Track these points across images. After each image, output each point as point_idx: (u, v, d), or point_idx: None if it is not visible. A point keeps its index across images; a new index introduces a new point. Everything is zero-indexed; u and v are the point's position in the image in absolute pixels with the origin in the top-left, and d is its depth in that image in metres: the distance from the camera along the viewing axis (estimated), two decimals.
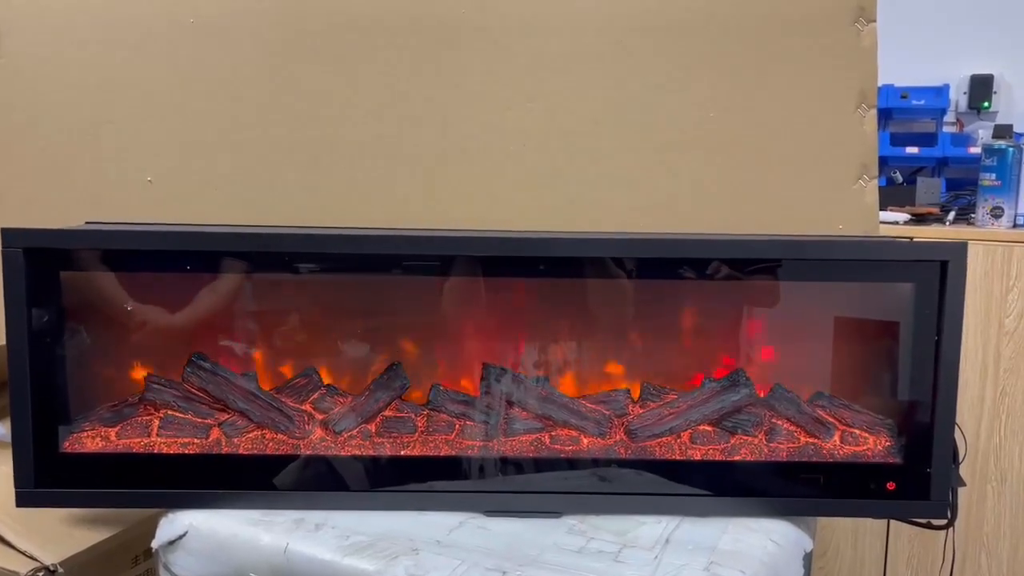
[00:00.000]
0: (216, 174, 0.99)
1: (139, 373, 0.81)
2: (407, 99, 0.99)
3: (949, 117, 1.99)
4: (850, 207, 0.97)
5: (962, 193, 1.79)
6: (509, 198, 1.00)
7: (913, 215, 1.66)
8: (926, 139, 1.90)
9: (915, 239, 0.82)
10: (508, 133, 0.99)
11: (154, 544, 0.76)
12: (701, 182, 0.98)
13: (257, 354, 0.82)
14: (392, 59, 0.99)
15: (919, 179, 1.81)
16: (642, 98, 0.98)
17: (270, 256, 0.78)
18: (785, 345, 0.85)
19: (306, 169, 1.00)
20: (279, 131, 0.99)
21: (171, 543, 0.75)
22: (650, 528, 0.76)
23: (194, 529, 0.75)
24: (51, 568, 0.80)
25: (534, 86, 0.98)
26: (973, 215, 1.65)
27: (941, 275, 0.76)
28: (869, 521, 1.54)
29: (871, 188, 0.97)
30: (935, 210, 1.70)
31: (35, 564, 0.80)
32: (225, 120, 0.99)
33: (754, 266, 0.79)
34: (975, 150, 1.83)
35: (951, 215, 1.67)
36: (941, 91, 1.93)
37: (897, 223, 1.60)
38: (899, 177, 1.90)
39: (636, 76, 0.98)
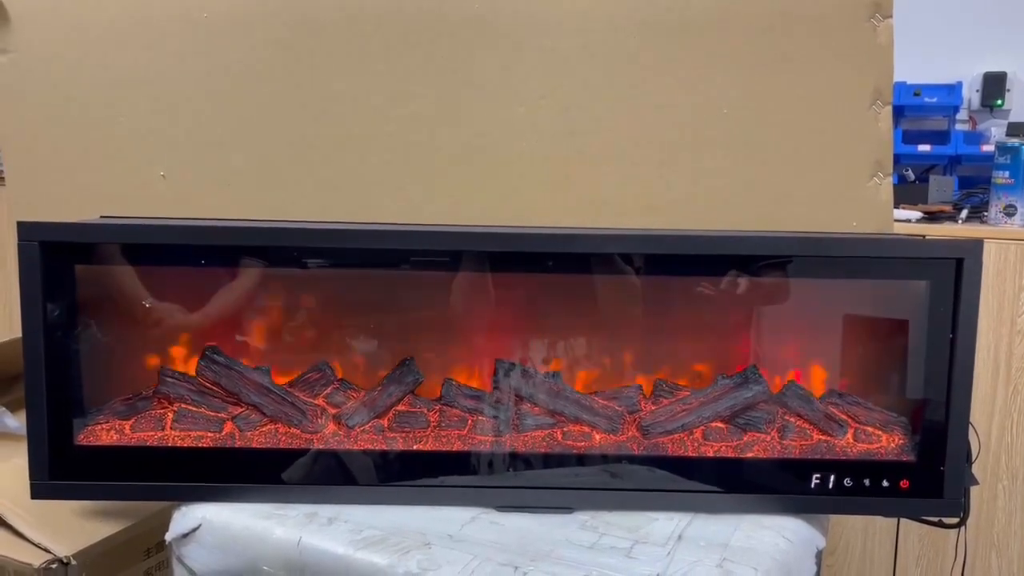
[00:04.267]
0: (228, 170, 0.99)
1: (153, 366, 0.81)
2: (418, 96, 0.99)
3: (962, 115, 1.97)
4: (864, 204, 0.97)
5: (975, 191, 1.78)
6: (519, 195, 1.00)
7: (925, 213, 1.65)
8: (939, 137, 1.89)
9: (927, 237, 0.81)
10: (519, 130, 0.99)
11: (168, 537, 0.76)
12: (714, 179, 0.98)
13: (270, 348, 0.82)
14: (404, 56, 0.98)
15: (931, 177, 1.80)
16: (654, 95, 0.98)
17: (283, 251, 0.78)
18: (798, 342, 0.85)
19: (317, 166, 1.00)
20: (291, 127, 0.99)
21: (184, 536, 0.75)
22: (662, 524, 0.76)
23: (207, 522, 0.75)
24: (64, 560, 0.81)
25: (545, 83, 0.98)
26: (986, 213, 1.64)
27: (956, 273, 0.76)
28: (879, 519, 1.54)
29: (886, 185, 0.96)
30: (947, 208, 1.69)
31: (49, 556, 0.81)
32: (237, 116, 0.99)
33: (768, 263, 0.79)
34: (988, 148, 1.81)
35: (963, 213, 1.66)
36: (954, 88, 1.91)
37: (909, 221, 1.59)
38: (911, 175, 1.89)
39: (648, 73, 0.98)
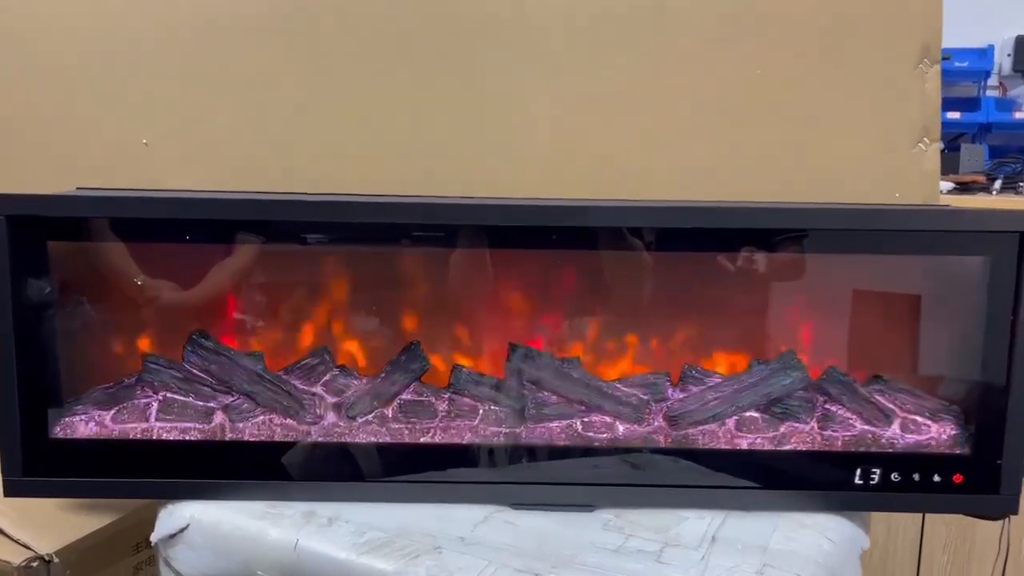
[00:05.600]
0: (218, 137, 0.92)
1: (136, 351, 0.75)
2: (425, 55, 0.91)
3: (992, 80, 1.89)
4: (908, 173, 0.89)
5: (1006, 160, 1.70)
6: (533, 163, 0.92)
7: (957, 184, 1.56)
8: (968, 104, 1.80)
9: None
10: (535, 93, 0.91)
11: (153, 538, 0.71)
12: (745, 145, 0.90)
13: (264, 332, 0.76)
14: (407, 13, 0.91)
15: (963, 146, 1.71)
16: (682, 54, 0.90)
17: (277, 226, 0.72)
18: (840, 324, 0.78)
19: (317, 132, 0.93)
20: (287, 89, 0.92)
21: (171, 537, 0.70)
22: (693, 524, 0.70)
23: (196, 522, 0.69)
24: (46, 558, 0.76)
25: (564, 40, 0.90)
26: (1022, 183, 1.56)
27: (1020, 248, 0.69)
28: None
29: (932, 152, 0.89)
30: (981, 179, 1.61)
31: (29, 554, 0.75)
32: (228, 77, 0.91)
33: (807, 238, 0.72)
34: (1020, 115, 1.73)
35: (997, 184, 1.58)
36: (985, 53, 1.83)
37: (940, 192, 1.51)
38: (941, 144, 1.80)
39: (675, 30, 0.89)
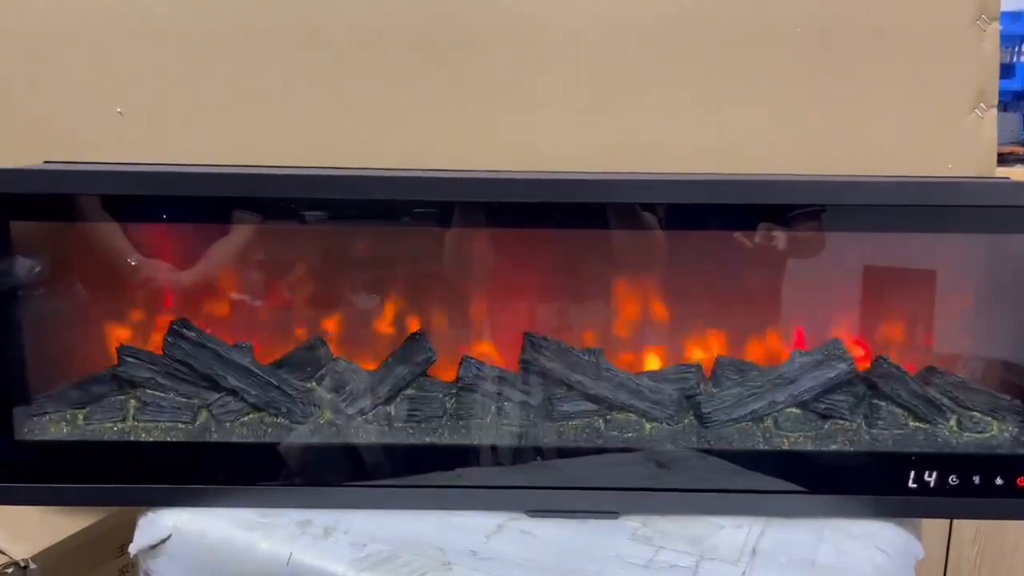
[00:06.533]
0: (200, 106, 0.85)
1: (112, 343, 0.69)
2: (427, 19, 0.83)
3: None
4: (963, 142, 0.82)
5: None
6: (549, 135, 0.85)
7: None
8: (1001, 70, 1.71)
9: None
10: (548, 57, 0.84)
11: (132, 548, 0.65)
12: (780, 113, 0.82)
13: (253, 321, 0.71)
14: None
15: (999, 114, 1.62)
16: (710, 14, 0.82)
17: (265, 203, 0.66)
18: (890, 310, 0.71)
19: (309, 101, 0.85)
20: (277, 55, 0.84)
21: (152, 548, 0.64)
22: (730, 534, 0.63)
23: (179, 532, 0.63)
24: (22, 564, 0.71)
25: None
26: None
27: None
28: None
29: (989, 119, 0.81)
30: (1018, 149, 1.52)
31: (4, 559, 0.71)
32: (212, 42, 0.84)
33: (857, 214, 0.65)
34: None
35: None
36: (1019, 17, 1.73)
37: None
38: None
39: None
